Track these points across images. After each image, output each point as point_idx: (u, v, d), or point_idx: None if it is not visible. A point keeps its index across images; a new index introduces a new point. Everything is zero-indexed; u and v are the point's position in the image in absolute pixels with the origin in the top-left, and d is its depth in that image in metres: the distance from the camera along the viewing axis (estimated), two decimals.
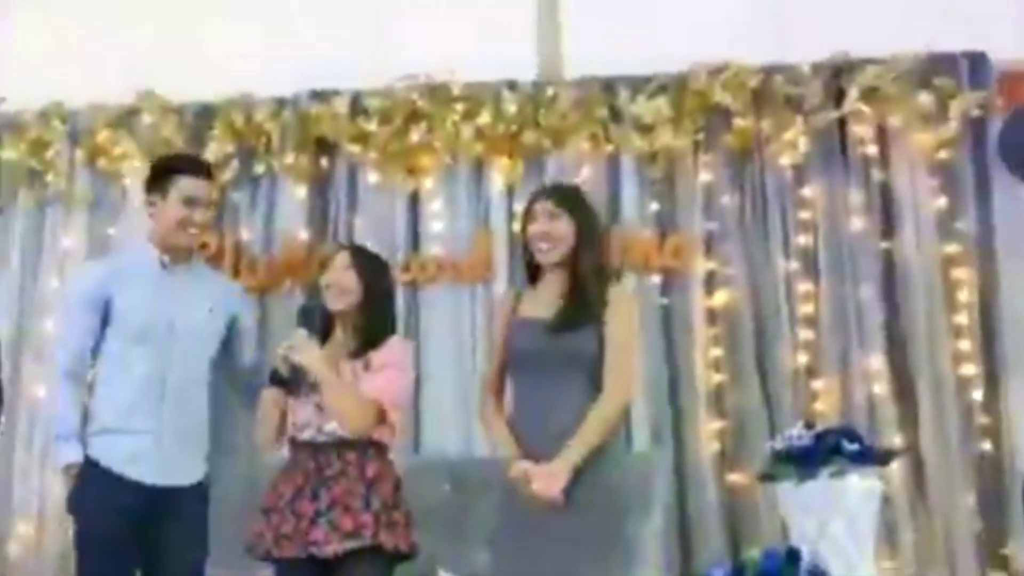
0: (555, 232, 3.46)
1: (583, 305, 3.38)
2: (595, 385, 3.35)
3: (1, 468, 5.28)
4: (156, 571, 3.66)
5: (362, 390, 3.52)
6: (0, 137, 5.68)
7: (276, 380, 3.61)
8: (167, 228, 3.79)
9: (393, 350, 3.65)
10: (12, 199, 5.68)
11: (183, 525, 3.69)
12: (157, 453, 3.66)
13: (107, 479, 3.61)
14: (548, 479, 3.27)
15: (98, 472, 3.62)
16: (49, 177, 5.63)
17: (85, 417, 3.73)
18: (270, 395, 3.62)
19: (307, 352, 3.54)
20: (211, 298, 3.89)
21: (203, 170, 3.92)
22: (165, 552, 3.65)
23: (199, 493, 3.78)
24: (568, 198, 3.55)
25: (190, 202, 3.79)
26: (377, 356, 3.59)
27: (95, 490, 3.61)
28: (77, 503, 3.66)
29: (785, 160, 5.22)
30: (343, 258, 3.71)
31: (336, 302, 3.65)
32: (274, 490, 3.59)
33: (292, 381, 3.58)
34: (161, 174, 3.86)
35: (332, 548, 3.41)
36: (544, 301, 3.47)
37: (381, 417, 3.55)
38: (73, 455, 3.66)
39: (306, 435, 3.57)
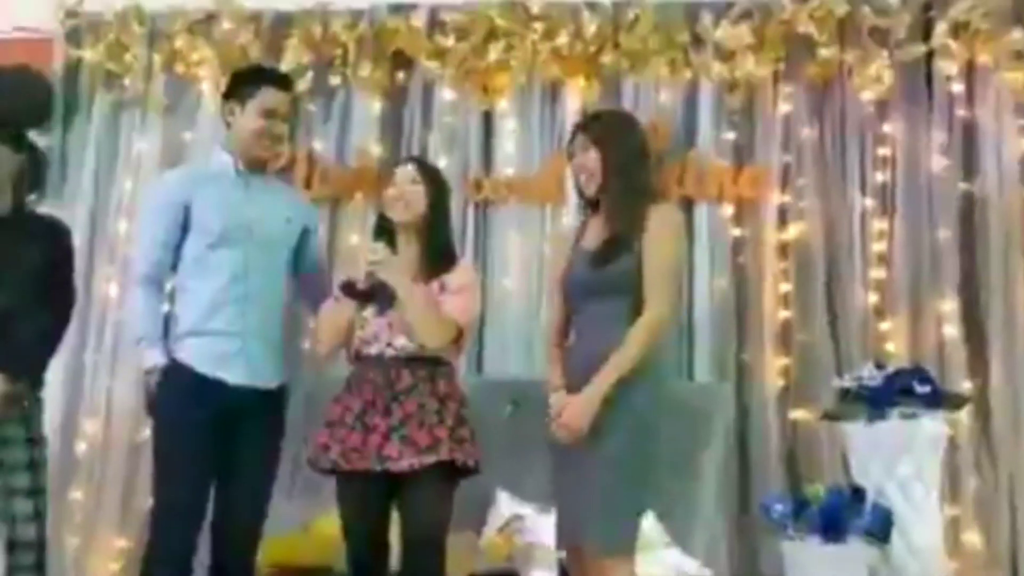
0: (587, 164, 3.42)
1: (618, 233, 3.34)
2: (638, 311, 3.31)
3: (71, 366, 5.34)
4: (231, 473, 3.69)
5: (443, 310, 3.53)
6: (80, 37, 5.70)
7: (350, 292, 3.60)
8: (244, 138, 3.79)
9: (467, 274, 3.67)
10: (89, 100, 5.70)
11: (262, 428, 3.72)
12: (243, 354, 3.69)
13: (194, 381, 3.64)
14: (574, 410, 3.26)
15: (185, 374, 3.65)
16: (126, 80, 5.65)
17: (167, 322, 3.77)
18: (345, 306, 3.60)
19: (392, 268, 3.54)
20: (288, 208, 3.90)
21: (285, 83, 3.91)
22: (241, 455, 3.68)
23: (280, 397, 3.81)
24: (595, 128, 3.49)
25: (270, 114, 3.78)
26: (453, 279, 3.58)
27: (181, 392, 3.64)
28: (161, 405, 3.69)
29: (868, 94, 5.11)
30: (410, 171, 3.68)
31: (403, 214, 3.62)
32: (338, 403, 3.59)
33: (369, 295, 3.57)
34: (242, 83, 3.85)
35: (407, 462, 3.42)
36: (595, 231, 3.44)
37: (458, 337, 3.57)
38: (159, 357, 3.70)
39: (374, 350, 3.56)
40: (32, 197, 4.48)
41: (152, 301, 3.76)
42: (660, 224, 3.33)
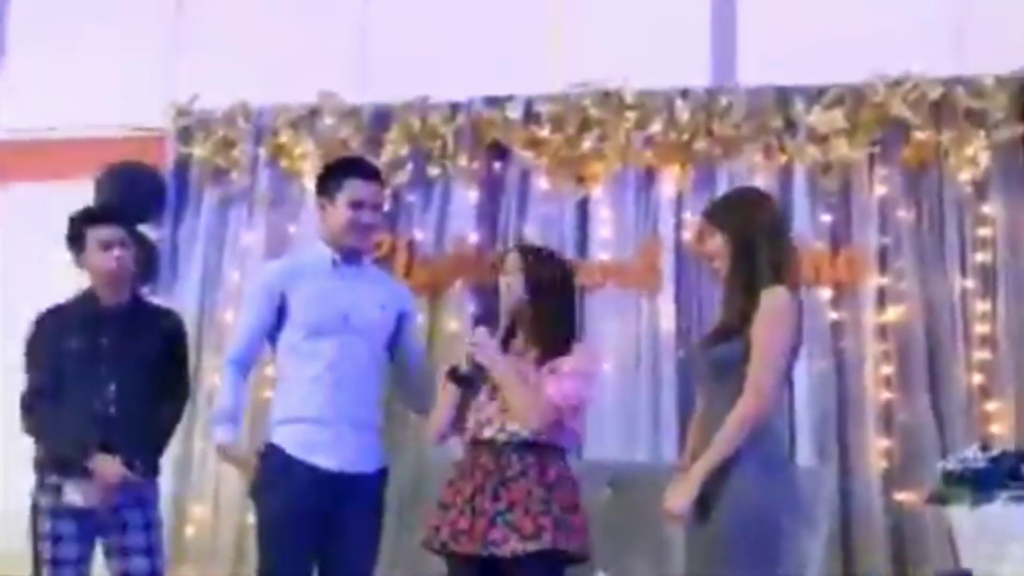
0: (709, 250, 3.47)
1: (729, 315, 3.38)
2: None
3: (181, 453, 5.46)
4: (331, 557, 3.77)
5: (544, 393, 3.57)
6: (190, 135, 5.92)
7: (456, 377, 3.68)
8: (336, 229, 3.91)
9: (581, 357, 3.69)
10: (198, 195, 5.90)
11: (361, 513, 3.79)
12: (337, 441, 3.77)
13: (290, 466, 3.74)
14: (673, 496, 3.28)
15: (281, 459, 3.76)
16: (233, 175, 5.84)
17: (253, 404, 3.88)
18: (449, 390, 3.70)
19: (487, 351, 3.62)
20: (383, 295, 4.00)
21: (371, 173, 4.02)
22: (341, 539, 3.75)
23: (379, 481, 3.88)
24: (717, 213, 3.52)
25: (358, 205, 3.90)
26: (565, 362, 3.63)
27: (278, 477, 3.75)
28: (260, 490, 3.80)
29: (965, 175, 5.08)
30: (514, 260, 3.78)
31: (506, 301, 3.73)
32: (451, 486, 3.66)
33: (473, 379, 3.65)
34: (330, 177, 3.99)
35: (510, 548, 3.46)
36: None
37: (560, 421, 3.60)
38: (226, 435, 3.83)
39: (487, 433, 3.62)
40: (146, 289, 4.65)
41: (233, 382, 3.88)
42: (767, 309, 3.34)
